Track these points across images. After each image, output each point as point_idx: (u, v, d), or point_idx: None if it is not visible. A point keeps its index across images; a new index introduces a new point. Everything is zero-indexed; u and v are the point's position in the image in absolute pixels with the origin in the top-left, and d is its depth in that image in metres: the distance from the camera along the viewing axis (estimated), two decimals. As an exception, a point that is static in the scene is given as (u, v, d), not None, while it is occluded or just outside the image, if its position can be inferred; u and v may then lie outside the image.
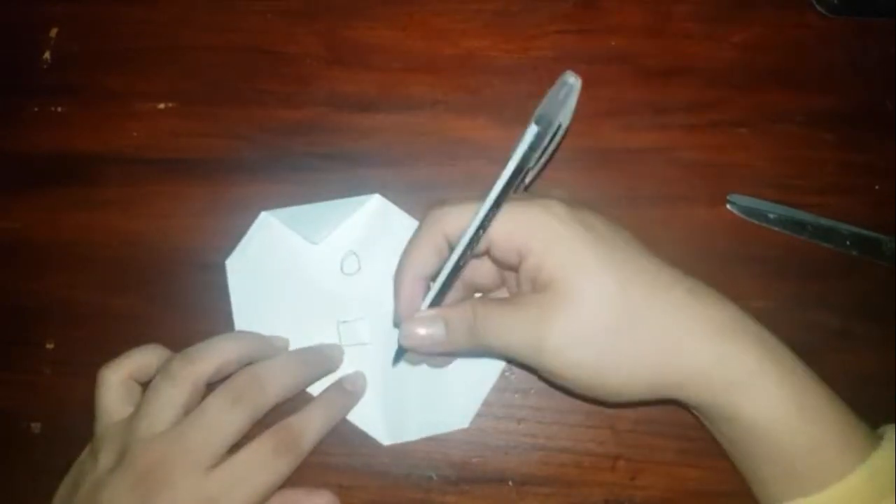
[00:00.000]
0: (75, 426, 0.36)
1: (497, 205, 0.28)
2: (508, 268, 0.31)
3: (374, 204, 0.39)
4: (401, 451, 0.37)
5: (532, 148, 0.26)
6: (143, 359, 0.34)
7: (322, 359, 0.37)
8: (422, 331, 0.30)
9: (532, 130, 0.26)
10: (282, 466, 0.32)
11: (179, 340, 0.35)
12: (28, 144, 0.41)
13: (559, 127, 0.25)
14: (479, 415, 0.37)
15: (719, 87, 0.40)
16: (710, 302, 0.29)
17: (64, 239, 0.40)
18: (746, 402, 0.28)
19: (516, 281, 0.31)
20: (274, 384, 0.33)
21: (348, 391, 0.36)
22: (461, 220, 0.29)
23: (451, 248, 0.30)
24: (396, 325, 0.32)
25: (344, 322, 0.38)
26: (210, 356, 0.33)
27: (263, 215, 0.39)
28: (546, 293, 0.28)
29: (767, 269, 0.38)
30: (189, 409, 0.32)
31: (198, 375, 0.33)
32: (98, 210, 0.40)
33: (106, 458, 0.32)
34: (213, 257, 0.39)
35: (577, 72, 0.40)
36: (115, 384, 0.34)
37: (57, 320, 0.39)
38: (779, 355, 0.29)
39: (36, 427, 0.38)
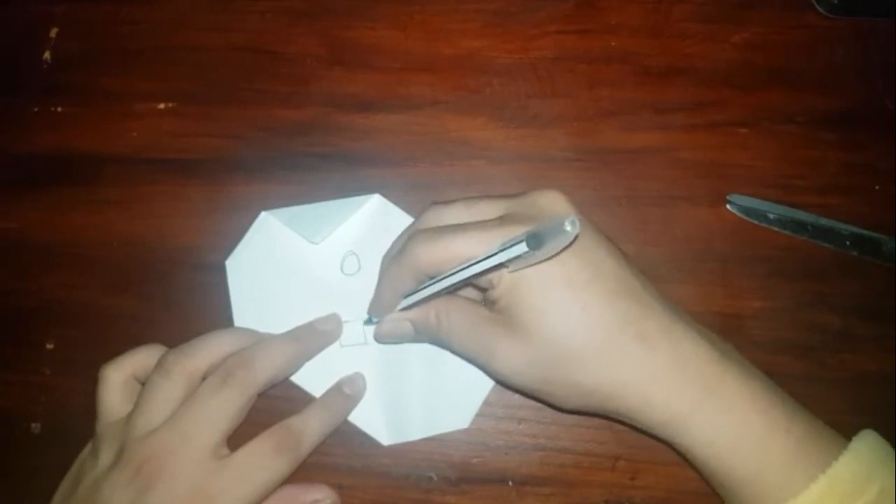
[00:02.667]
0: (75, 426, 0.36)
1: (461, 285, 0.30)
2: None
3: (374, 204, 0.39)
4: (401, 451, 0.37)
5: (512, 259, 0.27)
6: (144, 358, 0.34)
7: (313, 334, 0.37)
8: (392, 331, 0.34)
9: (520, 247, 0.26)
10: (281, 466, 0.32)
11: (179, 340, 0.35)
12: (28, 144, 0.41)
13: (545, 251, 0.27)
14: (479, 415, 0.37)
15: (719, 87, 0.40)
16: (659, 346, 0.29)
17: (63, 239, 0.40)
18: (678, 437, 0.30)
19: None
20: (262, 362, 0.33)
21: (347, 394, 0.36)
22: (437, 258, 0.30)
23: (429, 276, 0.31)
24: (370, 314, 0.35)
25: (344, 322, 0.38)
26: (204, 350, 0.34)
27: (263, 215, 0.39)
28: (502, 315, 0.30)
29: (767, 269, 0.38)
30: None
31: (192, 369, 0.33)
32: (98, 210, 0.40)
33: (105, 456, 0.32)
34: (212, 257, 0.39)
35: (577, 72, 0.41)
36: (116, 383, 0.34)
37: (57, 320, 0.39)
38: (720, 392, 0.29)
39: (36, 427, 0.38)
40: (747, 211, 0.38)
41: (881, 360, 0.36)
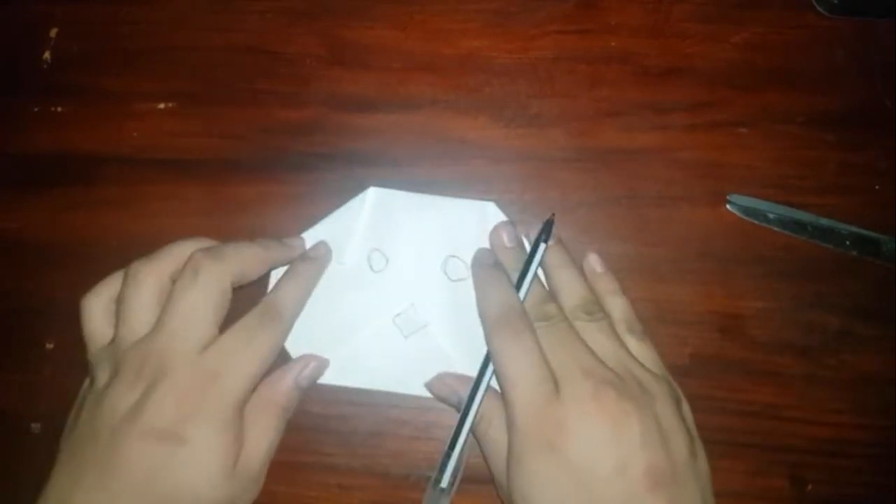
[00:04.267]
0: (75, 426, 0.35)
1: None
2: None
3: (373, 196, 0.39)
4: (401, 451, 0.37)
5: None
6: (119, 281, 0.34)
7: (277, 244, 0.37)
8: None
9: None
10: (270, 335, 0.33)
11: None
12: (28, 144, 0.41)
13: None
14: (479, 415, 0.37)
15: (719, 87, 0.40)
16: None
17: (63, 239, 0.40)
18: None
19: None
20: (228, 254, 0.33)
21: (313, 258, 0.37)
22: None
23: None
24: None
25: (397, 315, 0.37)
26: (168, 254, 0.34)
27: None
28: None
29: (767, 269, 0.38)
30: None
31: (159, 272, 0.33)
32: (97, 210, 0.40)
33: (102, 377, 0.32)
34: (212, 257, 0.39)
35: (577, 72, 0.41)
36: (97, 310, 0.34)
37: (57, 320, 0.39)
38: None
39: (36, 427, 0.38)
40: (747, 211, 0.38)
41: (881, 360, 0.36)
